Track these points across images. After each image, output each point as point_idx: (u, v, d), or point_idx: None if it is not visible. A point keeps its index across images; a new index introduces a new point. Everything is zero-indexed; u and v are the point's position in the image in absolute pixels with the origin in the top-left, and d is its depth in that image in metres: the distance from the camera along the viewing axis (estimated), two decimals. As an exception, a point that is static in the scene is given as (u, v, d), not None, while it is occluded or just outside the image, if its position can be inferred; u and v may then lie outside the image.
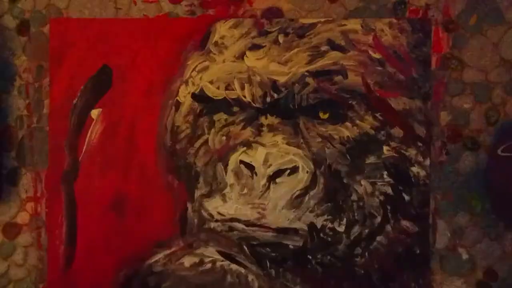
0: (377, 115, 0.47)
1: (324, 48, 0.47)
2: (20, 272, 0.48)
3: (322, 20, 0.47)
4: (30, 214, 0.48)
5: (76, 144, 0.48)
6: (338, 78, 0.47)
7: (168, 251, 0.48)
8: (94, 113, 0.48)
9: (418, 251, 0.47)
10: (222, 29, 0.48)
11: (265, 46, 0.47)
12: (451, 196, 0.48)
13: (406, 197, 0.47)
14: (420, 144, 0.47)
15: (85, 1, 0.48)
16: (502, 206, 0.46)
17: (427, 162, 0.47)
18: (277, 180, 0.47)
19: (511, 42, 0.47)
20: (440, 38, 0.47)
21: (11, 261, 0.48)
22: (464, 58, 0.48)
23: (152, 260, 0.48)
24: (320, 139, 0.47)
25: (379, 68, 0.47)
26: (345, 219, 0.47)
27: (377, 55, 0.47)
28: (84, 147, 0.48)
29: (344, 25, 0.47)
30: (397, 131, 0.47)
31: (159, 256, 0.48)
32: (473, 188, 0.47)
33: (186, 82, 0.48)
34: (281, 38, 0.47)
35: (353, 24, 0.47)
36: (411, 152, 0.47)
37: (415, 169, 0.47)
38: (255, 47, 0.47)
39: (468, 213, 0.48)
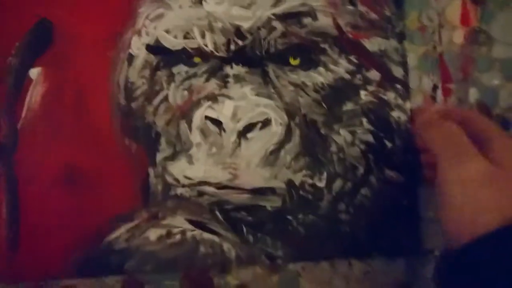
0: (352, 58, 0.44)
1: None
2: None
3: (286, -42, 0.44)
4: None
5: (14, 110, 0.42)
6: (307, 20, 0.43)
7: (130, 225, 0.42)
8: (33, 72, 0.42)
9: (405, 202, 0.44)
10: (176, -28, 0.43)
11: None
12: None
13: (389, 144, 0.44)
14: (398, 86, 0.44)
15: None
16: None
17: (408, 105, 0.44)
18: (248, 135, 0.42)
19: (543, 16, 0.45)
20: (468, 11, 0.45)
21: None
22: (493, 33, 0.45)
23: (112, 237, 0.42)
24: (292, 88, 0.43)
25: (350, 7, 0.44)
26: (325, 173, 0.43)
27: (346, -6, 0.44)
28: (23, 114, 0.42)
29: (310, -38, 0.44)
30: (373, 74, 0.44)
31: (120, 231, 0.42)
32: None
33: (139, 33, 0.43)
34: None
35: (319, -39, 0.44)
36: (390, 96, 0.44)
37: (395, 113, 0.44)
38: None
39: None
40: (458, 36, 0.46)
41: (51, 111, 0.42)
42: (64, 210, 0.42)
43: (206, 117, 0.42)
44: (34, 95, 0.42)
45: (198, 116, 0.42)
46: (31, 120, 0.42)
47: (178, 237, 0.42)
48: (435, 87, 0.45)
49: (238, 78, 0.43)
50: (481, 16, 0.45)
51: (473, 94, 0.45)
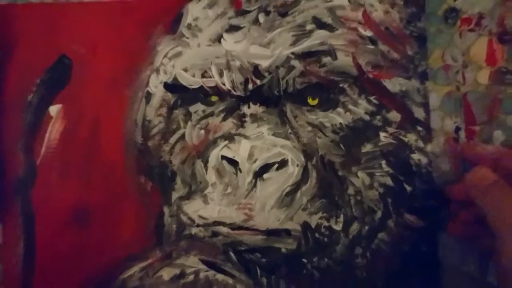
0: (372, 98, 0.42)
1: (309, 27, 0.42)
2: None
3: (306, -4, 0.43)
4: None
5: (33, 147, 0.42)
6: (327, 59, 0.42)
7: (143, 264, 0.42)
8: (53, 110, 0.42)
9: (424, 248, 0.42)
10: (195, 10, 0.43)
11: (244, 27, 0.43)
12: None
13: (408, 188, 0.42)
14: (420, 128, 0.43)
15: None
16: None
17: (429, 148, 0.43)
18: (265, 176, 0.42)
19: None
20: (494, 50, 0.43)
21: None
22: None
23: (126, 275, 0.42)
24: (310, 128, 0.42)
25: (371, 46, 0.43)
26: (342, 216, 0.42)
27: (368, 33, 0.43)
28: (43, 150, 0.42)
29: (330, 1, 0.43)
30: (394, 115, 0.43)
31: (134, 270, 0.42)
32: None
33: (157, 71, 0.43)
34: (261, 18, 0.43)
35: (340, 0, 0.43)
36: (411, 138, 0.43)
37: (416, 156, 0.43)
38: (233, 29, 0.43)
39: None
40: (483, 76, 0.44)
41: (68, 148, 0.42)
42: (78, 247, 0.42)
43: (222, 157, 0.42)
44: (54, 132, 0.42)
45: (214, 155, 0.42)
46: (49, 157, 0.42)
47: (191, 277, 0.42)
48: (458, 129, 0.43)
49: (255, 118, 0.42)
50: (508, 55, 0.43)
51: (498, 137, 0.44)
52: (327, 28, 0.42)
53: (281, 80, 0.42)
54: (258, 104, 0.42)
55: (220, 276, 0.42)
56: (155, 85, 0.43)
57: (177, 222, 0.42)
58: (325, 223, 0.42)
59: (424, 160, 0.43)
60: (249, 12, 0.43)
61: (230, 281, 0.42)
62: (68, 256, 0.42)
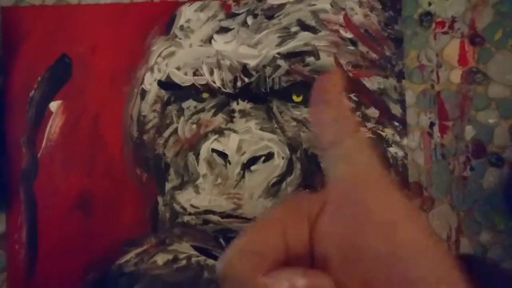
0: (352, 96, 0.46)
1: (294, 29, 0.45)
2: (-24, 281, 0.44)
3: (291, 0, 0.46)
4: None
5: (35, 140, 0.45)
6: (310, 59, 0.45)
7: (139, 250, 0.45)
8: (54, 105, 0.45)
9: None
10: (187, 13, 0.46)
11: (233, 28, 0.45)
12: (474, 213, 0.46)
13: (386, 179, 0.46)
14: (396, 123, 0.46)
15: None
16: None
17: (405, 141, 0.46)
18: (252, 168, 0.45)
19: (538, 59, 0.46)
20: (466, 51, 0.46)
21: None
22: (489, 73, 0.47)
23: (123, 260, 0.45)
24: (294, 123, 0.45)
25: (351, 47, 0.46)
26: (324, 205, 0.45)
27: (348, 35, 0.46)
28: (44, 143, 0.45)
29: (314, 4, 0.46)
30: (372, 112, 0.46)
31: (130, 255, 0.45)
32: (497, 205, 0.46)
33: (152, 69, 0.46)
34: (249, 20, 0.46)
35: (323, 4, 0.46)
36: (388, 133, 0.46)
37: (392, 149, 0.46)
38: (223, 30, 0.46)
39: (492, 230, 0.46)
40: (456, 76, 0.47)
41: (68, 141, 0.45)
42: (78, 234, 0.45)
43: (213, 150, 0.45)
44: (54, 126, 0.45)
45: (205, 148, 0.45)
46: (51, 150, 0.45)
47: (184, 262, 0.45)
48: (432, 124, 0.47)
49: (243, 113, 0.45)
50: (478, 56, 0.47)
51: (469, 132, 0.47)
52: (310, 30, 0.45)
53: (267, 78, 0.45)
54: (247, 100, 0.45)
55: (210, 261, 0.45)
56: (150, 82, 0.46)
57: (170, 211, 0.45)
58: (309, 212, 0.45)
59: (400, 153, 0.46)
60: (238, 14, 0.46)
61: (220, 265, 0.45)
62: (70, 240, 0.44)
